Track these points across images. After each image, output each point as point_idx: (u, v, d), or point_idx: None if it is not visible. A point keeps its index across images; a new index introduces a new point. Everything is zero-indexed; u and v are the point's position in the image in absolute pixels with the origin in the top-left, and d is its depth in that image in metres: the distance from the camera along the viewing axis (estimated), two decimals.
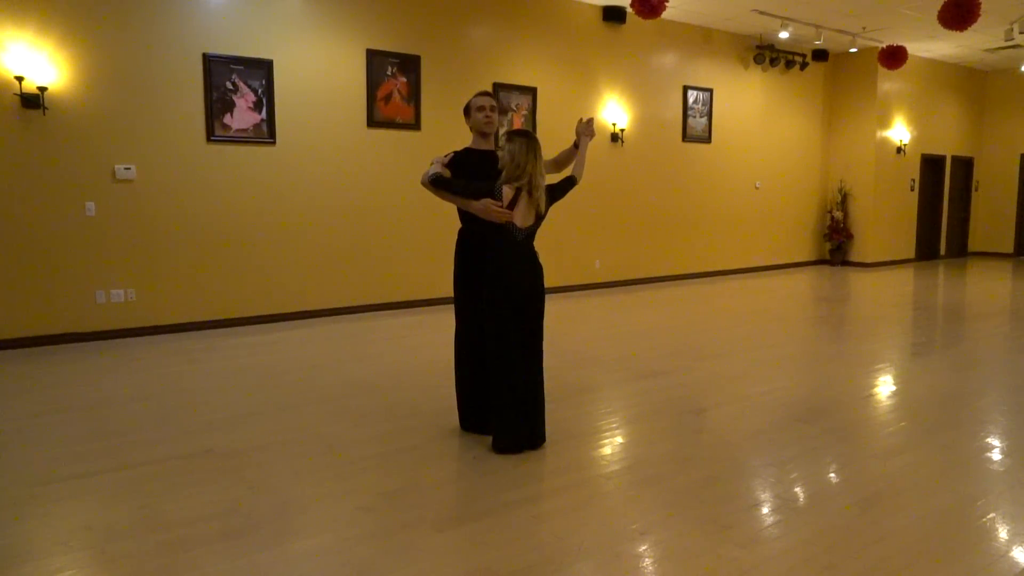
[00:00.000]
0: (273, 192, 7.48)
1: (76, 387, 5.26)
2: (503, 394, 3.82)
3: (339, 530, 3.03)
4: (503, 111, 8.99)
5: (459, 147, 4.12)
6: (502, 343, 3.81)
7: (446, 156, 3.98)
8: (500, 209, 3.73)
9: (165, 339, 6.78)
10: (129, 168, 6.70)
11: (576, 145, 4.07)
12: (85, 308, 6.64)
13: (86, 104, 6.48)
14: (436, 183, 3.85)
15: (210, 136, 7.05)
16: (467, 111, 4.11)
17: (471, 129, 4.11)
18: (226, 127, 7.13)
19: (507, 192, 3.75)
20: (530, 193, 3.75)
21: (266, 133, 7.37)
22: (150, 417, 4.53)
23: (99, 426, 4.38)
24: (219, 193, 7.18)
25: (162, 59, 6.77)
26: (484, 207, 3.75)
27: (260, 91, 7.28)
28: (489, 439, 3.96)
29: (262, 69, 7.26)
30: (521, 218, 3.78)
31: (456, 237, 4.16)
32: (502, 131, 4.56)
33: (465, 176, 3.90)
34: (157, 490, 3.41)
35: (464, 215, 4.03)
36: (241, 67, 7.15)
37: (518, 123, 9.12)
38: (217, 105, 7.06)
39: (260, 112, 7.31)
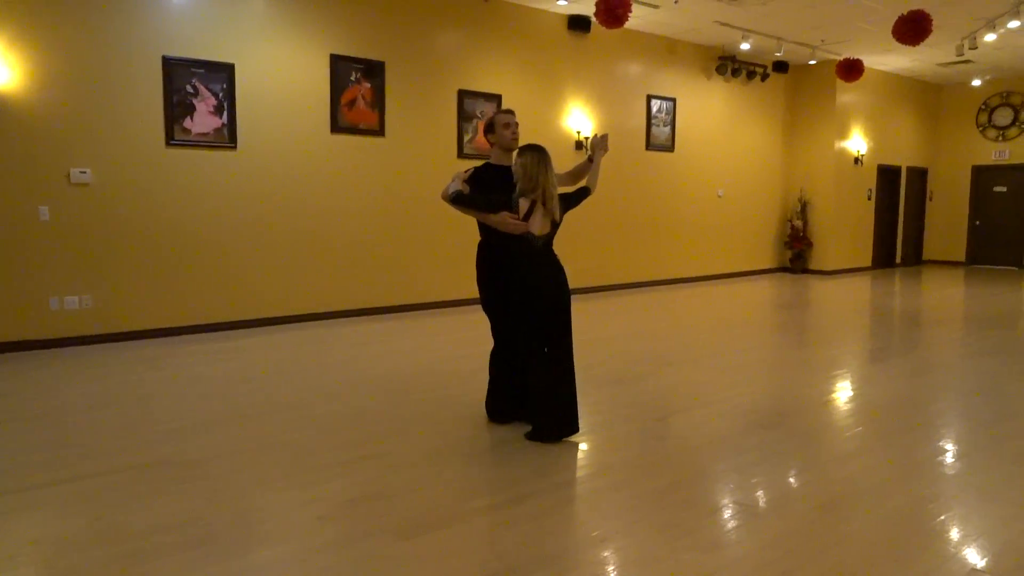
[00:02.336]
0: (234, 197, 7.39)
1: (28, 396, 5.12)
2: (540, 388, 4.06)
3: (300, 539, 2.99)
4: (467, 118, 9.00)
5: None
6: (535, 342, 4.07)
7: (466, 172, 4.17)
8: (516, 221, 3.97)
9: (123, 347, 6.64)
10: (85, 172, 6.56)
11: (591, 159, 4.32)
12: (38, 315, 6.47)
13: (40, 106, 6.34)
14: (456, 200, 4.04)
15: (169, 140, 6.94)
16: (491, 127, 4.28)
17: (495, 144, 4.28)
18: (186, 131, 7.02)
19: (523, 204, 4.00)
20: (544, 203, 4.00)
21: (227, 138, 7.27)
22: (106, 426, 4.43)
23: (52, 436, 4.27)
24: (179, 198, 7.07)
25: (120, 61, 6.65)
26: (502, 220, 3.99)
27: (221, 95, 7.19)
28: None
29: (223, 73, 7.17)
30: (537, 227, 4.03)
31: (476, 249, 4.37)
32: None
33: (486, 190, 4.10)
34: (113, 501, 3.34)
35: (484, 227, 4.22)
36: (202, 70, 7.05)
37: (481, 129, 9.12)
38: (177, 109, 6.95)
39: (221, 116, 7.21)
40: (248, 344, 6.86)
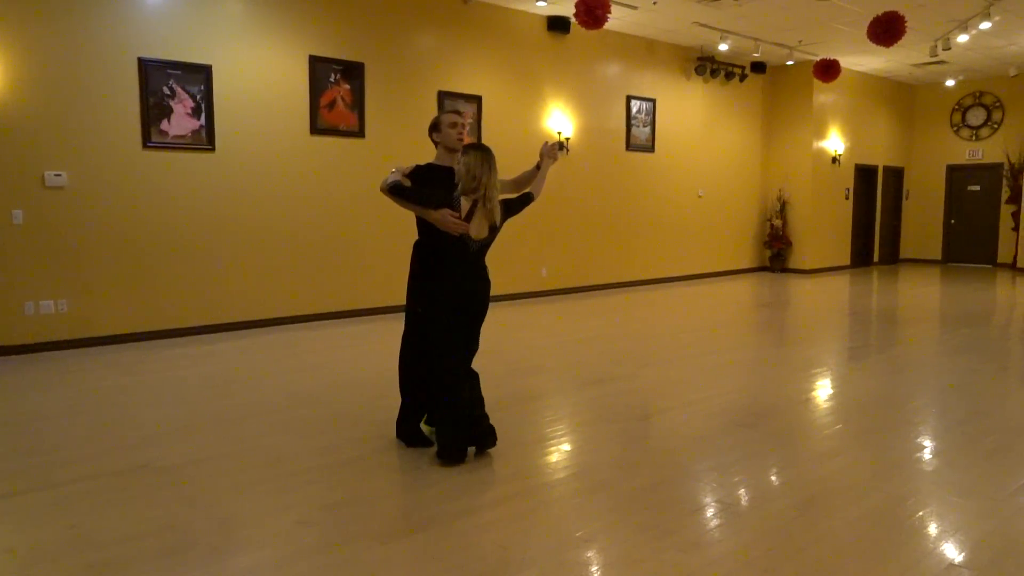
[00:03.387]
0: (212, 199, 7.32)
1: (2, 402, 5.03)
2: (447, 405, 3.82)
3: (279, 545, 2.96)
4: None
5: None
6: (449, 354, 3.85)
7: (408, 167, 3.99)
8: (457, 220, 3.79)
9: (99, 351, 6.55)
10: (60, 175, 6.46)
11: (538, 166, 4.15)
12: (13, 320, 6.37)
13: (13, 107, 6.24)
14: (395, 191, 3.86)
15: (146, 142, 6.86)
16: (436, 126, 4.12)
17: (440, 144, 4.11)
18: (163, 133, 6.95)
19: (464, 204, 3.82)
20: (484, 204, 3.82)
21: (205, 140, 7.20)
22: (82, 432, 4.37)
23: (27, 443, 4.20)
24: (156, 200, 6.99)
25: (95, 63, 6.57)
26: (442, 217, 3.79)
27: (199, 97, 7.12)
28: (431, 449, 3.93)
29: (201, 74, 7.10)
30: (475, 230, 3.85)
31: (411, 249, 4.16)
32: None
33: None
34: (87, 509, 3.29)
35: (421, 227, 4.05)
36: (178, 72, 6.98)
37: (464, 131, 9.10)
38: (153, 111, 6.87)
39: (199, 118, 7.14)
40: (226, 348, 6.79)
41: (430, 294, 3.91)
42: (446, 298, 3.85)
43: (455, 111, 4.20)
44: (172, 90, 6.97)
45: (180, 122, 7.04)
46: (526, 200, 4.05)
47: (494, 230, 3.91)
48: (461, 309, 3.87)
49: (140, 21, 6.78)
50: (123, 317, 6.89)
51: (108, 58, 6.63)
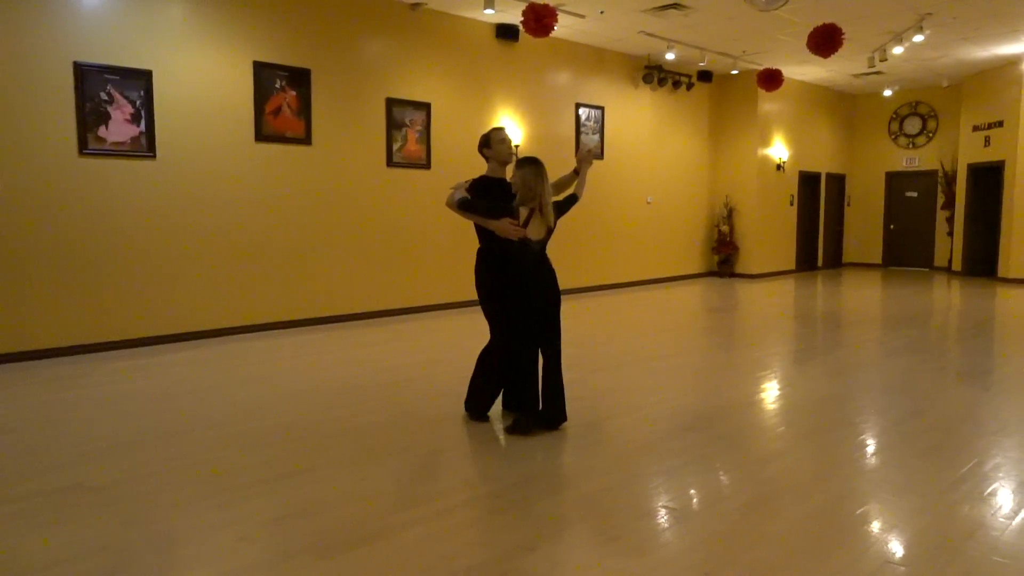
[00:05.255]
0: (154, 208, 7.13)
1: None
2: (529, 384, 4.40)
3: (219, 563, 2.89)
4: (397, 127, 8.94)
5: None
6: (526, 340, 4.40)
7: (466, 182, 4.48)
8: (516, 227, 4.31)
9: (33, 366, 6.32)
10: None
11: (576, 171, 4.74)
12: None
13: None
14: (463, 206, 4.35)
15: (82, 149, 6.66)
16: (487, 142, 4.61)
17: (492, 159, 4.61)
18: (101, 140, 6.75)
19: (522, 212, 4.35)
20: (540, 211, 4.36)
21: (145, 147, 7.02)
22: (12, 451, 4.20)
23: None
24: (94, 209, 6.78)
25: (27, 66, 6.35)
26: (503, 226, 4.32)
27: (138, 103, 6.94)
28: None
29: (140, 79, 6.93)
30: (534, 233, 4.38)
31: (476, 255, 4.63)
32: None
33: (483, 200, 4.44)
34: (17, 530, 3.16)
35: (483, 234, 4.52)
36: (116, 77, 6.80)
37: (412, 138, 9.08)
38: (90, 117, 6.68)
39: (139, 124, 6.97)
40: (169, 360, 6.62)
41: (510, 296, 4.40)
42: (526, 294, 4.36)
43: (500, 128, 4.71)
44: (110, 95, 6.78)
45: (119, 128, 6.86)
46: (572, 201, 4.61)
47: (549, 231, 4.46)
48: (540, 300, 4.38)
49: (76, 24, 6.59)
50: (61, 329, 6.66)
51: (41, 62, 6.42)
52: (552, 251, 4.57)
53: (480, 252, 4.61)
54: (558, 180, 4.78)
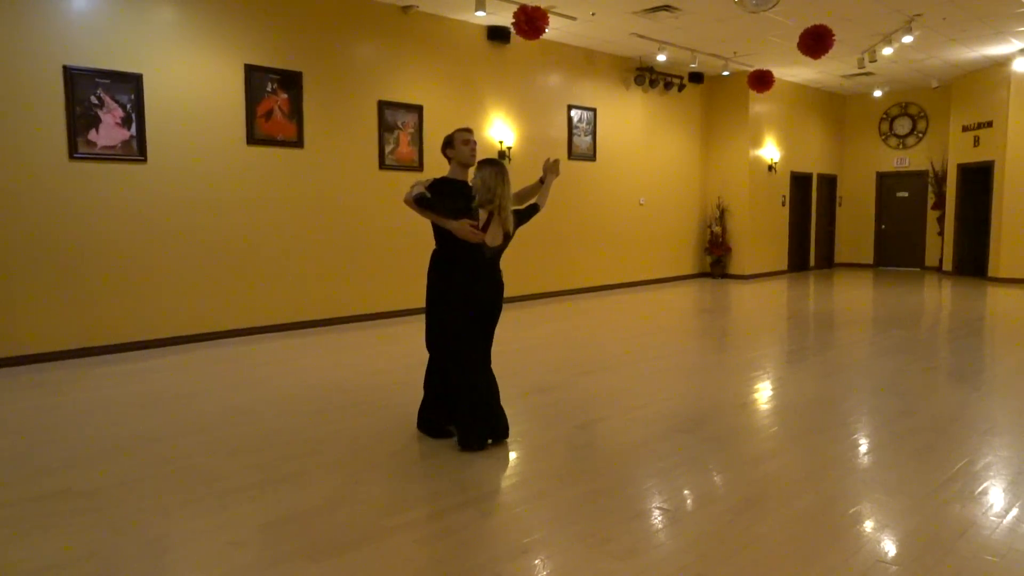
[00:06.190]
0: (145, 211, 7.10)
1: None
2: (466, 396, 4.17)
3: (208, 568, 2.87)
4: (388, 129, 8.93)
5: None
6: (466, 351, 4.22)
7: (426, 181, 4.30)
8: (475, 230, 4.14)
9: (21, 371, 6.28)
10: None
11: (542, 180, 4.62)
12: None
13: None
14: (420, 202, 4.15)
15: (73, 153, 6.63)
16: (450, 143, 4.43)
17: (454, 160, 4.42)
18: (91, 144, 6.72)
19: (482, 215, 4.20)
20: (499, 213, 4.21)
21: (136, 150, 6.99)
22: None
23: None
24: (84, 213, 6.75)
25: (16, 70, 6.31)
26: (461, 227, 4.13)
27: (129, 106, 6.91)
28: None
29: (131, 83, 6.90)
30: (491, 238, 4.23)
31: (429, 257, 4.47)
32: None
33: (442, 201, 4.25)
34: (2, 537, 3.13)
35: (439, 236, 4.35)
36: (107, 81, 6.77)
37: (404, 141, 9.07)
38: (80, 121, 6.64)
39: (129, 128, 6.94)
40: (159, 364, 6.59)
41: (450, 298, 4.24)
42: (465, 300, 4.20)
43: (466, 129, 4.51)
44: (100, 99, 6.75)
45: (109, 132, 6.83)
46: (533, 211, 4.49)
47: (507, 238, 4.31)
48: (478, 310, 4.23)
49: (66, 28, 6.56)
50: (50, 334, 6.63)
51: (31, 66, 6.38)
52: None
53: (433, 254, 4.46)
54: (523, 190, 4.67)
